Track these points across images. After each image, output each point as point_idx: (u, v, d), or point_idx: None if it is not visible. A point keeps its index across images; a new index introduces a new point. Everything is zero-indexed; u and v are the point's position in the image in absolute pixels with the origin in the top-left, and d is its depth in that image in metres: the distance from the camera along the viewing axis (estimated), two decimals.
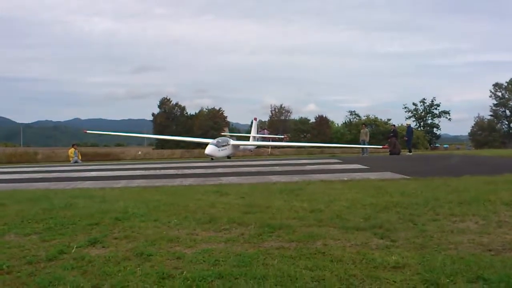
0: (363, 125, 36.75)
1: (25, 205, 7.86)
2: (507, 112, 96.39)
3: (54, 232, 5.91)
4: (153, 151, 72.11)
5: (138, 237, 5.56)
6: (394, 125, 33.12)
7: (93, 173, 15.77)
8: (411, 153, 29.19)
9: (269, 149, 52.35)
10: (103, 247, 5.22)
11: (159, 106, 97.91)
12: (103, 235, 5.67)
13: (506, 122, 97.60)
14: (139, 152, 62.39)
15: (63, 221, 6.49)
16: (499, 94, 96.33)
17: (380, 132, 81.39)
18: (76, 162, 31.91)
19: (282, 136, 58.00)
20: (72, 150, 33.48)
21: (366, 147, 31.25)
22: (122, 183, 11.76)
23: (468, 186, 9.09)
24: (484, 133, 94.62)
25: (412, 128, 34.33)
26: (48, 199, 8.50)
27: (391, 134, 30.44)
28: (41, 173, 16.59)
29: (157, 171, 15.94)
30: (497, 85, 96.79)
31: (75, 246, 5.17)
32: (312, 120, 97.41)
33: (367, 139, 32.34)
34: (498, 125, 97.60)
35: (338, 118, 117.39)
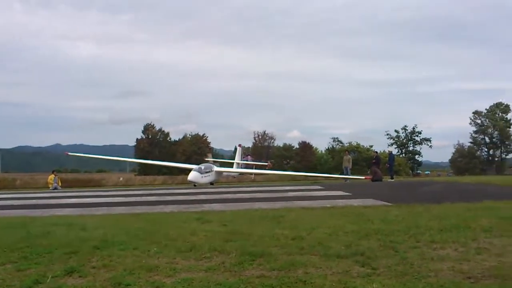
0: (346, 152, 36.96)
1: (0, 233, 7.70)
2: (487, 139, 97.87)
3: (30, 261, 5.78)
4: (135, 178, 71.55)
5: (116, 266, 5.47)
6: (376, 152, 33.36)
7: (73, 199, 15.56)
8: (393, 180, 29.39)
9: (253, 176, 52.27)
10: (80, 276, 5.12)
11: (143, 132, 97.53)
12: (80, 264, 5.56)
13: (486, 149, 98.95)
14: (121, 179, 61.88)
15: (40, 249, 6.35)
16: (479, 121, 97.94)
17: (362, 158, 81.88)
18: (55, 188, 31.54)
19: (266, 163, 58.06)
20: (51, 176, 33.16)
21: (348, 177, 31.32)
22: (102, 210, 11.60)
23: (449, 213, 9.15)
24: (464, 160, 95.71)
25: (394, 155, 34.67)
26: (24, 226, 8.34)
27: (373, 161, 30.66)
28: (19, 199, 16.33)
29: (138, 198, 15.80)
30: (476, 113, 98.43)
31: (50, 276, 5.06)
32: (296, 146, 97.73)
33: (350, 165, 32.51)
34: (478, 152, 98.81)
35: (321, 145, 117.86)
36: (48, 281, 4.91)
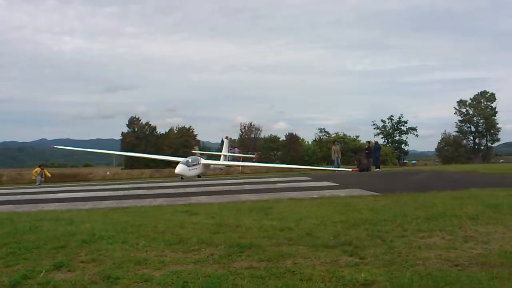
0: (335, 142, 36.64)
1: None
2: (472, 128, 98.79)
3: (18, 256, 5.73)
4: (122, 171, 71.13)
5: (105, 260, 5.45)
6: (368, 142, 33.15)
7: (60, 194, 15.46)
8: (379, 170, 29.51)
9: (240, 167, 52.29)
10: (69, 271, 5.09)
11: (127, 126, 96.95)
12: (69, 259, 5.53)
13: (472, 138, 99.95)
14: (108, 173, 61.51)
15: (27, 245, 6.30)
16: (463, 110, 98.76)
17: (349, 149, 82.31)
18: (39, 183, 31.41)
19: (253, 155, 58.08)
20: (37, 169, 32.91)
21: (335, 169, 31.29)
22: (90, 205, 11.54)
23: (435, 202, 9.23)
24: (450, 149, 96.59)
25: (379, 144, 34.68)
26: (12, 222, 8.26)
27: (366, 151, 30.65)
28: (5, 195, 16.18)
29: (126, 191, 15.73)
30: (461, 102, 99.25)
31: (44, 271, 5.03)
32: (283, 138, 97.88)
33: (340, 155, 32.38)
34: (464, 141, 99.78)
35: (308, 136, 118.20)
36: (41, 275, 4.87)
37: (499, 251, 5.33)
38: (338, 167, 31.42)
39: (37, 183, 31.73)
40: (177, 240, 6.37)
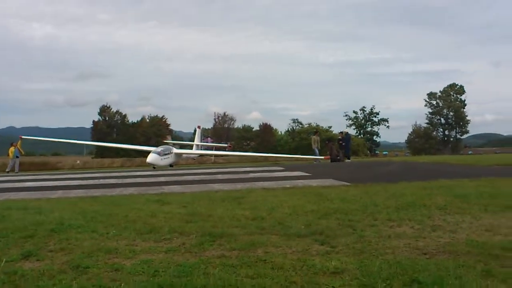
0: (317, 133, 36.47)
1: None
2: (442, 120, 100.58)
3: None
4: (92, 160, 70.10)
5: (74, 249, 5.37)
6: (341, 132, 33.18)
7: (28, 183, 15.17)
8: (349, 160, 29.77)
9: (213, 157, 52.18)
10: (38, 260, 5.00)
11: (99, 114, 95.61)
12: (37, 248, 5.43)
13: (441, 130, 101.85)
14: (78, 161, 60.44)
15: None
16: (434, 103, 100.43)
17: (321, 139, 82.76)
18: (13, 164, 31.03)
19: (226, 145, 57.96)
20: (11, 149, 32.38)
21: (309, 157, 31.41)
22: (59, 194, 11.37)
23: (405, 192, 9.38)
24: (420, 141, 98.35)
25: (350, 135, 34.94)
26: None
27: (340, 142, 30.81)
28: None
29: (96, 180, 15.53)
30: (431, 94, 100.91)
31: (4, 260, 4.92)
32: (256, 128, 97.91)
33: (318, 146, 32.31)
34: (434, 133, 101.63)
35: (281, 126, 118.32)
36: (1, 265, 4.77)
37: (466, 240, 5.44)
38: (308, 157, 31.53)
39: (7, 169, 31.20)
40: (149, 229, 6.33)
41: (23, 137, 43.54)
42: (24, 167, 38.73)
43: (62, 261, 4.89)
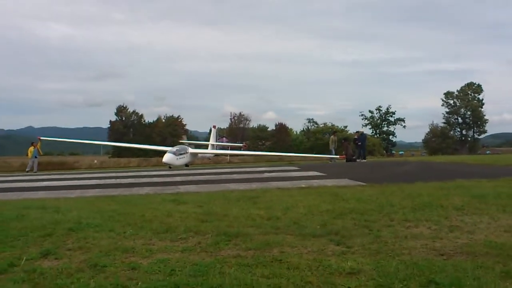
0: (334, 133, 36.43)
1: None
2: (459, 119, 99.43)
3: (4, 244, 5.69)
4: (109, 160, 70.67)
5: (92, 248, 5.43)
6: (357, 132, 33.05)
7: (46, 182, 15.35)
8: (365, 160, 29.59)
9: (228, 157, 52.23)
10: (56, 258, 5.07)
11: (116, 114, 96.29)
12: (55, 247, 5.51)
13: (459, 129, 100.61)
14: (95, 161, 60.97)
15: (14, 233, 6.27)
16: (451, 102, 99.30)
17: (337, 139, 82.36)
18: (35, 157, 31.42)
19: (241, 144, 57.98)
20: (31, 148, 32.76)
21: (324, 156, 31.30)
22: (77, 193, 11.49)
23: (422, 192, 9.31)
24: (437, 140, 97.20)
25: (365, 135, 34.72)
26: None
27: (356, 141, 30.68)
28: None
29: (113, 180, 15.66)
30: (448, 94, 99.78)
31: (28, 258, 4.99)
32: (271, 127, 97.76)
33: (335, 146, 32.23)
34: (451, 132, 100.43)
35: (297, 126, 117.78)
36: (22, 263, 4.85)
37: (484, 241, 5.39)
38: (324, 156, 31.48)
39: (27, 168, 31.57)
40: (165, 228, 6.37)
41: (42, 138, 44.09)
42: (42, 167, 39.15)
43: (80, 260, 4.95)
